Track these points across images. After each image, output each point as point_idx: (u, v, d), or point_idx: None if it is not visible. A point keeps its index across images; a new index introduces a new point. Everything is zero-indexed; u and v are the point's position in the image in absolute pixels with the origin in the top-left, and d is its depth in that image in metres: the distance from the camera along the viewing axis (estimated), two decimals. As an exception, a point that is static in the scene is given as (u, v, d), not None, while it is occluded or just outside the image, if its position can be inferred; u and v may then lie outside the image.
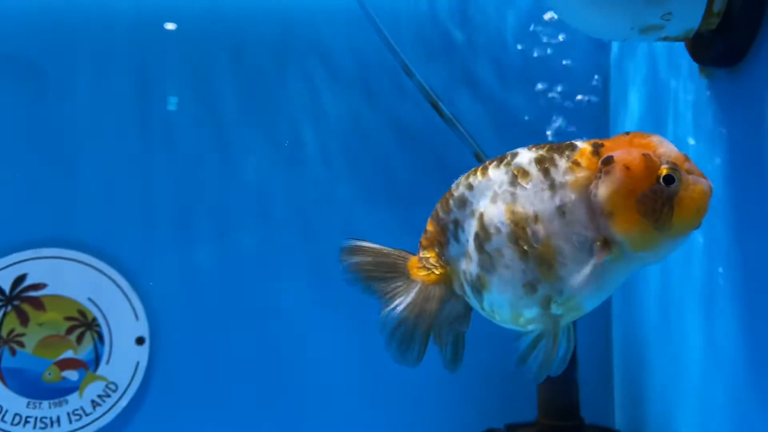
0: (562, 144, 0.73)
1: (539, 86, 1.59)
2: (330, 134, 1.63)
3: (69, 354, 1.55)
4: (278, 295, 1.61)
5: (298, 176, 1.62)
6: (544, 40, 1.58)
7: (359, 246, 0.80)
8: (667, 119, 1.26)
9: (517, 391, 1.50)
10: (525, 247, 0.70)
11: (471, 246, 0.74)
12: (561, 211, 0.69)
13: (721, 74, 1.04)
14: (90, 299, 1.56)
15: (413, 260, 0.79)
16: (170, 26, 1.58)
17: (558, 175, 0.70)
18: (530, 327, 0.74)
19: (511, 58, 1.64)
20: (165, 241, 1.59)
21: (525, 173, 0.72)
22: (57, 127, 1.56)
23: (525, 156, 0.73)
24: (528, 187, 0.71)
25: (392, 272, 0.79)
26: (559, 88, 1.57)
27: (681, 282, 1.22)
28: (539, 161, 0.71)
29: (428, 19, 1.65)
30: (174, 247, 1.59)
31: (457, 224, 0.76)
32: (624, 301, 1.56)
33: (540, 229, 0.70)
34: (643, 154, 0.68)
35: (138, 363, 1.57)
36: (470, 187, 0.75)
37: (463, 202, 0.76)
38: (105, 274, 1.56)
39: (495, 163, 0.75)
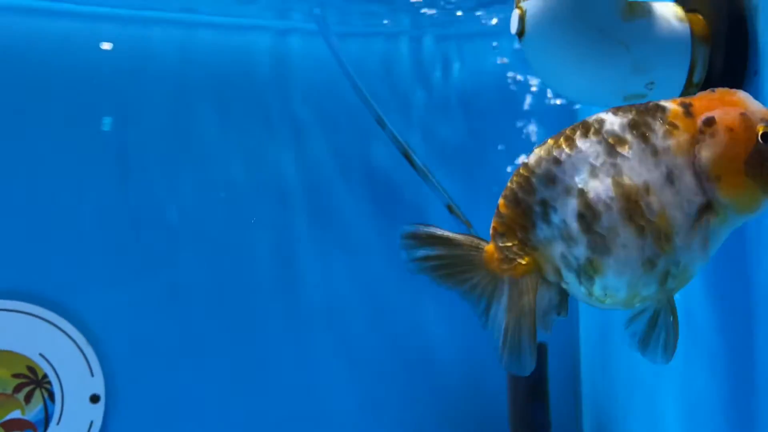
0: (648, 105, 0.69)
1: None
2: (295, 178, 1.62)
3: (16, 414, 1.45)
4: (242, 354, 1.56)
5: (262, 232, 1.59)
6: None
7: (424, 234, 0.71)
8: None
9: (489, 408, 1.50)
10: (641, 222, 0.65)
11: (574, 227, 0.67)
12: (670, 178, 0.66)
13: (699, 141, 1.08)
14: (41, 354, 1.47)
15: (490, 250, 0.71)
16: (106, 46, 1.51)
17: (658, 140, 0.66)
18: (640, 305, 0.69)
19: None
20: (124, 293, 1.52)
21: (622, 141, 0.67)
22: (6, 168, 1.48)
23: (615, 121, 0.68)
24: (629, 155, 0.66)
25: (469, 268, 0.70)
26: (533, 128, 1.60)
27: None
28: (633, 126, 0.67)
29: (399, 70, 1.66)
30: (134, 300, 1.52)
31: (546, 204, 0.69)
32: (591, 322, 1.59)
33: (654, 200, 0.66)
34: (741, 114, 0.66)
35: (92, 422, 1.48)
36: (557, 161, 0.68)
37: (552, 179, 0.69)
38: (58, 327, 1.48)
39: (579, 132, 0.69)
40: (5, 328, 1.45)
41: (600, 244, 0.67)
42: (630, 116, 0.68)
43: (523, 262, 0.69)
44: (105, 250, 1.52)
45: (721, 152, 0.66)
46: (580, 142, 0.68)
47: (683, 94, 1.02)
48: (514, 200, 0.70)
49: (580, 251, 0.67)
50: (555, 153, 0.69)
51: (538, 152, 0.71)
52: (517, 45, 1.07)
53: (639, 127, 0.67)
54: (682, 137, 0.67)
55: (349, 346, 1.62)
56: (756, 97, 0.94)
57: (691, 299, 1.05)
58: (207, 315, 1.56)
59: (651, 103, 0.70)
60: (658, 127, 0.67)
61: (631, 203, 0.66)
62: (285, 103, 1.62)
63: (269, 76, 1.60)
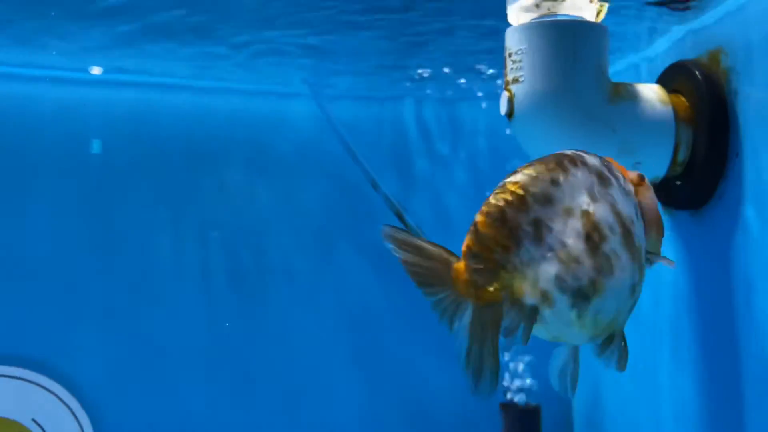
0: (592, 153, 0.73)
1: None
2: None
3: (9, 482, 1.44)
4: (236, 415, 1.56)
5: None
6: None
7: (398, 238, 0.68)
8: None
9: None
10: (632, 250, 0.68)
11: (578, 248, 0.66)
12: (637, 215, 0.72)
13: (684, 216, 1.11)
14: (34, 420, 1.46)
15: (459, 269, 0.66)
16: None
17: (624, 183, 0.72)
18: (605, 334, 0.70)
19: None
20: (121, 358, 1.51)
21: (605, 176, 0.70)
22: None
23: (593, 160, 0.71)
24: (616, 189, 0.70)
25: (437, 280, 0.67)
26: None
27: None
28: (607, 167, 0.71)
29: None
30: (132, 365, 1.51)
31: (540, 224, 0.66)
32: (583, 384, 1.60)
33: (636, 230, 0.70)
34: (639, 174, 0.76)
35: (85, 488, 1.47)
36: (555, 182, 0.67)
37: (549, 199, 0.66)
38: (52, 393, 1.47)
39: (567, 161, 0.69)
40: (-2, 394, 1.44)
41: (606, 266, 0.66)
42: (600, 158, 0.72)
43: (491, 289, 0.65)
44: (96, 313, 1.51)
45: (654, 202, 0.75)
46: (574, 170, 0.68)
47: (669, 172, 1.06)
48: (500, 219, 0.65)
49: (583, 272, 0.65)
50: (552, 175, 0.67)
51: (529, 173, 0.67)
52: (507, 129, 1.10)
53: (610, 169, 0.72)
54: (630, 186, 0.74)
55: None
56: (738, 178, 0.99)
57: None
58: (197, 379, 1.56)
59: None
60: (618, 173, 0.72)
61: (626, 230, 0.68)
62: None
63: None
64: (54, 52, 1.33)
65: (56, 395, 1.47)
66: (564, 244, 0.66)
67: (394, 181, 1.65)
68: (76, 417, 1.48)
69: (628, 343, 0.73)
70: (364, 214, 1.64)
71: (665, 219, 1.14)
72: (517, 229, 0.65)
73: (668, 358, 1.18)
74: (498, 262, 0.65)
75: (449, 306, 0.67)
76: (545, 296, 0.66)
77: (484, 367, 0.65)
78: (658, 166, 1.05)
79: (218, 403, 1.57)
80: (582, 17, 1.01)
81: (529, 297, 0.66)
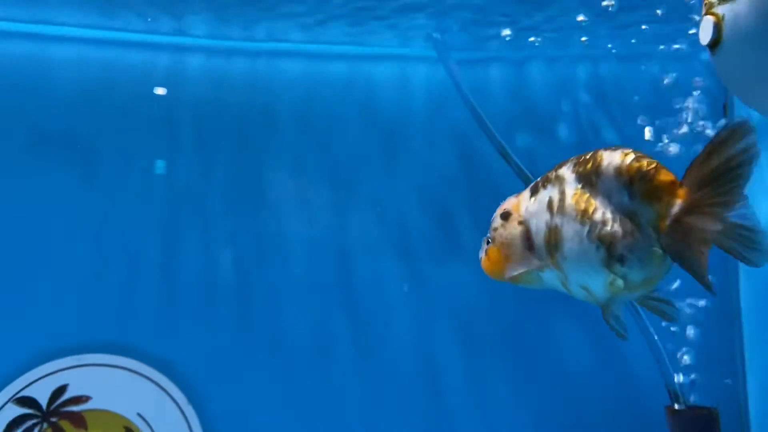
0: None
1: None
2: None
3: (112, 479, 1.33)
4: (342, 417, 1.40)
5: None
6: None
7: None
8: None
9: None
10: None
11: None
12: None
13: None
14: (139, 414, 1.35)
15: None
16: (160, 90, 1.42)
17: None
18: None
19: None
20: (227, 349, 1.38)
21: None
22: (107, 216, 1.38)
23: None
24: None
25: None
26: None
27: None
28: None
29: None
30: (238, 356, 1.38)
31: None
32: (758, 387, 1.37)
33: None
34: None
35: (192, 489, 1.35)
36: None
37: None
38: (158, 385, 1.36)
39: None
40: (101, 386, 1.34)
41: None
42: None
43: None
44: (206, 305, 1.40)
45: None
46: None
47: None
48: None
49: None
50: None
51: None
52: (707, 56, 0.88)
53: None
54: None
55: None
56: None
57: None
58: (310, 367, 1.42)
59: None
60: None
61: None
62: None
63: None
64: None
65: (163, 388, 1.36)
66: None
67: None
68: (182, 412, 1.36)
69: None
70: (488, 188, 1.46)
71: None
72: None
73: None
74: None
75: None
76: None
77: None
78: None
79: (330, 393, 1.41)
80: None
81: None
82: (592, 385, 1.43)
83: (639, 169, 0.72)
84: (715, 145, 0.68)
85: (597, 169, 0.74)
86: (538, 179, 0.81)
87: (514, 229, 0.80)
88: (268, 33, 1.40)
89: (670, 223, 0.69)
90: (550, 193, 0.78)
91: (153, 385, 1.35)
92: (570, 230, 0.75)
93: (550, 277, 0.79)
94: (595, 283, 0.75)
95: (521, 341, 1.46)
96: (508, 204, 0.82)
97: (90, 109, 1.39)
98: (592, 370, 1.43)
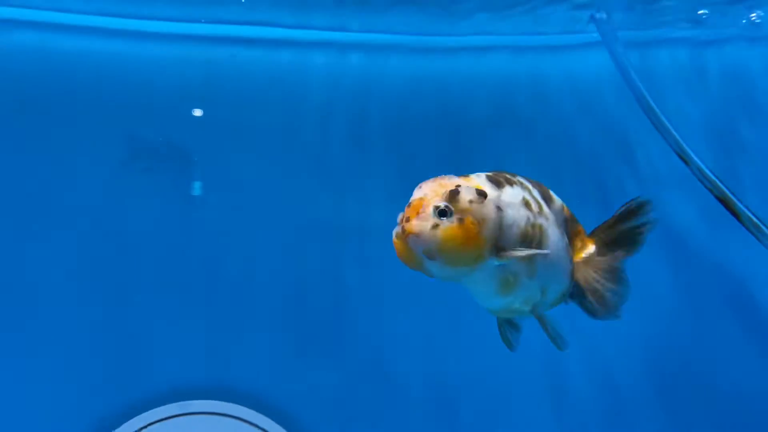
0: None
1: None
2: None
3: None
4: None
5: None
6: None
7: None
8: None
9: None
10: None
11: None
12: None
13: None
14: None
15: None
16: (197, 113, 1.33)
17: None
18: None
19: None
20: (322, 379, 1.26)
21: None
22: (210, 249, 1.27)
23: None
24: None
25: None
26: None
27: None
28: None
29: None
30: (333, 385, 1.26)
31: None
32: None
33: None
34: None
35: None
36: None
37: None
38: (258, 427, 1.22)
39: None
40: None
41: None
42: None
43: None
44: (297, 336, 1.28)
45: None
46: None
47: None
48: None
49: None
50: None
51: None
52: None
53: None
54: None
55: None
56: None
57: None
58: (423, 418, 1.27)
59: None
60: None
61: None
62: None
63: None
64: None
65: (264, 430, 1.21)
66: None
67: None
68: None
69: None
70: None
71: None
72: None
73: None
74: None
75: None
76: None
77: None
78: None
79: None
80: None
81: None
82: None
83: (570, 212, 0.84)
84: (623, 214, 0.84)
85: (548, 193, 0.82)
86: (492, 174, 0.79)
87: (491, 211, 0.75)
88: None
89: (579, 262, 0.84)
90: (522, 193, 0.79)
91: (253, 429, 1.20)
92: (554, 234, 0.80)
93: (486, 276, 0.76)
94: (557, 288, 0.80)
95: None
96: (461, 182, 0.76)
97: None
98: None
